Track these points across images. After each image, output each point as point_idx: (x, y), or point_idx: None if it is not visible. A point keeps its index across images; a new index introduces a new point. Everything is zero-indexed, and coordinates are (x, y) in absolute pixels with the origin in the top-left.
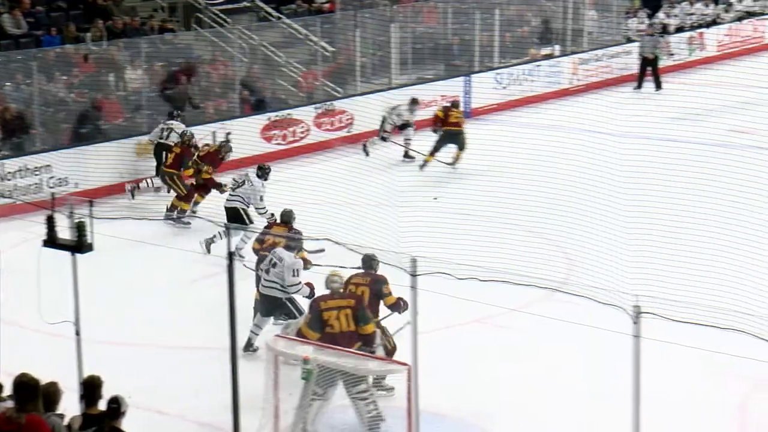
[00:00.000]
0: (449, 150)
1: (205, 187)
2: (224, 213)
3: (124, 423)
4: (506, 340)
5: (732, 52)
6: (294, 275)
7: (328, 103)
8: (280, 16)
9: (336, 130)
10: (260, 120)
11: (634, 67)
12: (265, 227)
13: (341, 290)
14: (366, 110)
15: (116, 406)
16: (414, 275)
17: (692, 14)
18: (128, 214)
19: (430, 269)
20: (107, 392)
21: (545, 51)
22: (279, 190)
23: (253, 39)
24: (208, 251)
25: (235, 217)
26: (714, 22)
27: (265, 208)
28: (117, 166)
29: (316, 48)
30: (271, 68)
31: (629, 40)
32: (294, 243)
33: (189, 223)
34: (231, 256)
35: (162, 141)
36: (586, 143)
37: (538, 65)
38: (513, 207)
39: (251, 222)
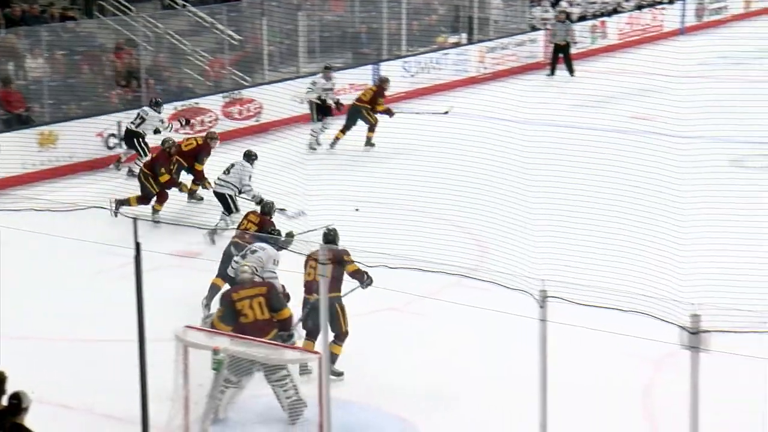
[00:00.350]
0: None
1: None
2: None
3: (28, 418)
4: (419, 326)
5: (633, 41)
6: (274, 264)
7: (236, 91)
8: (185, 4)
9: (245, 119)
10: (166, 109)
11: (540, 55)
12: (248, 213)
13: (253, 280)
14: (274, 99)
15: (17, 402)
16: (324, 263)
17: (594, 3)
18: (31, 206)
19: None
20: (12, 388)
21: (452, 39)
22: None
23: (158, 27)
24: (213, 242)
25: (223, 204)
26: (615, 11)
27: (250, 187)
28: (19, 156)
29: (222, 36)
30: (177, 57)
31: (534, 29)
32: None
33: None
34: (138, 247)
35: (132, 128)
36: (494, 130)
37: (446, 53)
38: (422, 194)
39: (237, 210)
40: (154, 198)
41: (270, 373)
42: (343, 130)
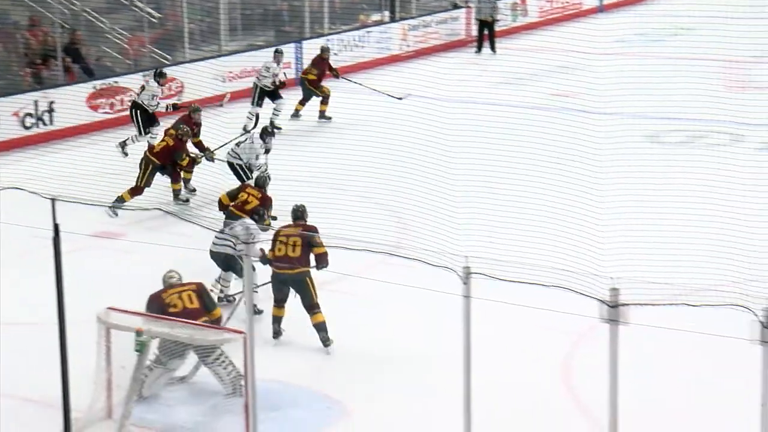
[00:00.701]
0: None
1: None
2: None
3: None
4: (346, 305)
5: (553, 18)
6: (251, 234)
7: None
8: None
9: (166, 98)
10: (85, 88)
11: (462, 32)
12: (247, 187)
13: (181, 283)
14: (196, 77)
15: None
16: (247, 243)
17: None
18: None
19: (265, 237)
20: None
21: (375, 17)
22: (113, 160)
23: (75, 4)
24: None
25: (236, 174)
26: None
27: (259, 165)
28: None
29: (141, 14)
30: (95, 35)
31: (456, 6)
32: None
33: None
34: (57, 229)
35: (135, 98)
36: (416, 108)
37: (369, 31)
38: (344, 172)
39: (249, 178)
40: (171, 179)
41: (204, 356)
42: (302, 102)
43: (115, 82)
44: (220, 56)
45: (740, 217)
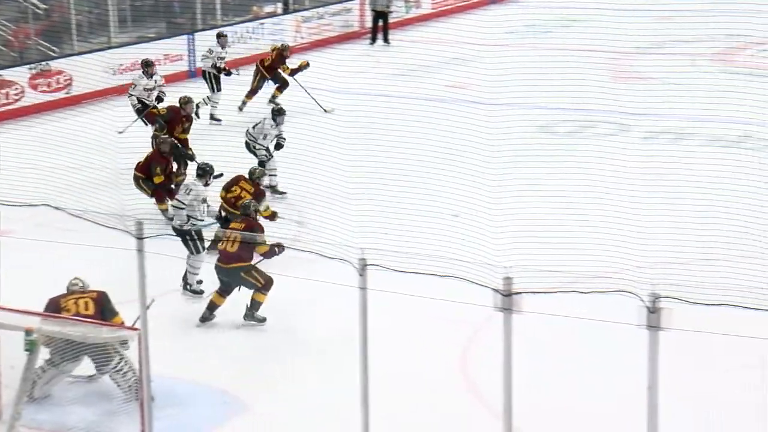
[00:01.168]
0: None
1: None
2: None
3: None
4: (242, 298)
5: (445, 10)
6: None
7: (44, 63)
8: None
9: (54, 91)
10: None
11: (356, 24)
12: (232, 180)
13: (83, 290)
14: (85, 70)
15: None
16: (140, 238)
17: None
18: None
19: (159, 232)
20: None
21: (268, 9)
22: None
23: None
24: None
25: (254, 154)
26: None
27: (262, 147)
28: None
29: (26, 5)
30: None
31: None
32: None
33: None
34: None
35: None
36: (310, 100)
37: (262, 23)
38: (239, 166)
39: (271, 157)
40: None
41: (102, 365)
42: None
43: None
44: (109, 48)
45: (627, 205)
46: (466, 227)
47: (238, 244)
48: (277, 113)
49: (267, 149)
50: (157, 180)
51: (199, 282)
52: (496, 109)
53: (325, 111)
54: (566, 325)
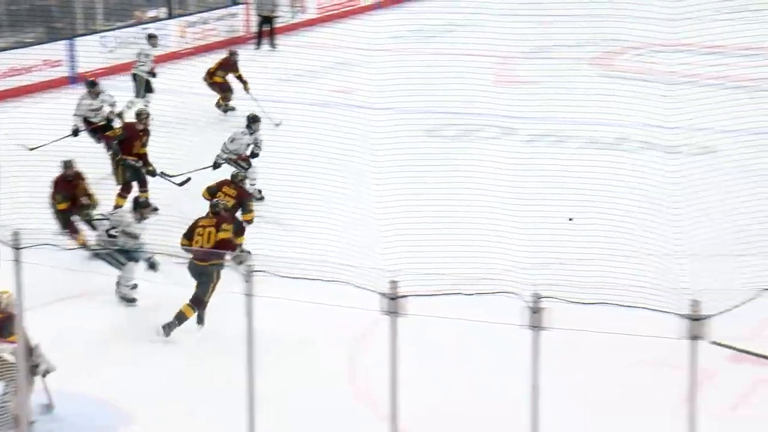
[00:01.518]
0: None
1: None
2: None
3: None
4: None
5: (331, 15)
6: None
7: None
8: None
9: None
10: None
11: (241, 29)
12: (223, 186)
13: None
14: None
15: None
16: (17, 248)
17: None
18: None
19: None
20: None
21: (151, 13)
22: None
23: None
24: None
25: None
26: None
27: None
28: None
29: None
30: None
31: (235, 3)
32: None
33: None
34: None
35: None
36: (199, 106)
37: (145, 28)
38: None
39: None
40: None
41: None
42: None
43: None
44: None
45: (511, 207)
46: (354, 232)
47: (214, 237)
48: (252, 120)
49: (244, 159)
50: (60, 207)
51: (134, 287)
52: (382, 114)
53: (276, 125)
54: (457, 328)
